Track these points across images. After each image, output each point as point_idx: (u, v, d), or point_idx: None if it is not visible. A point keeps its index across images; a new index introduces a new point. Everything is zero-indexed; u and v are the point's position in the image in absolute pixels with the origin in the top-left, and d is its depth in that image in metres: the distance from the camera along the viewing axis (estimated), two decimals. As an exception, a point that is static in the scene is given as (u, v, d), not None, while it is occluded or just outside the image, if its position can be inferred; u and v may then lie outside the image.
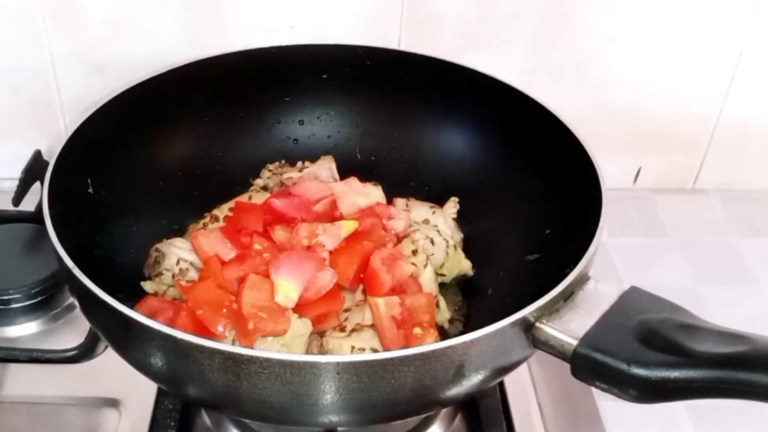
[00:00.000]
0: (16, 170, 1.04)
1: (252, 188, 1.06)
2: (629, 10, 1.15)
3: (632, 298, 0.77)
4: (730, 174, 1.32)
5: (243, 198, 1.02)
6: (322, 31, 1.14)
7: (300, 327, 0.87)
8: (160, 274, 0.94)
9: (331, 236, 0.94)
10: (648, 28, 1.17)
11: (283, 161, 1.09)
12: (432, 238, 0.98)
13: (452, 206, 1.04)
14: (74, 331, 1.03)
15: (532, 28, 1.16)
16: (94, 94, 0.97)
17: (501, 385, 1.00)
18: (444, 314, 0.95)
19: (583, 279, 0.79)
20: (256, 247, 0.93)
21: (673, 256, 1.20)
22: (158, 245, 0.96)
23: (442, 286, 0.99)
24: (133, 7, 1.12)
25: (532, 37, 1.17)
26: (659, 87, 1.22)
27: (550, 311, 0.76)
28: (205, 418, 0.97)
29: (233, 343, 0.84)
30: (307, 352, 0.87)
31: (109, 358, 0.92)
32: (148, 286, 0.95)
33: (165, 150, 1.04)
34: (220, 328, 0.85)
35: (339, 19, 1.15)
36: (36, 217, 0.92)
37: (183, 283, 0.92)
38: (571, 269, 0.78)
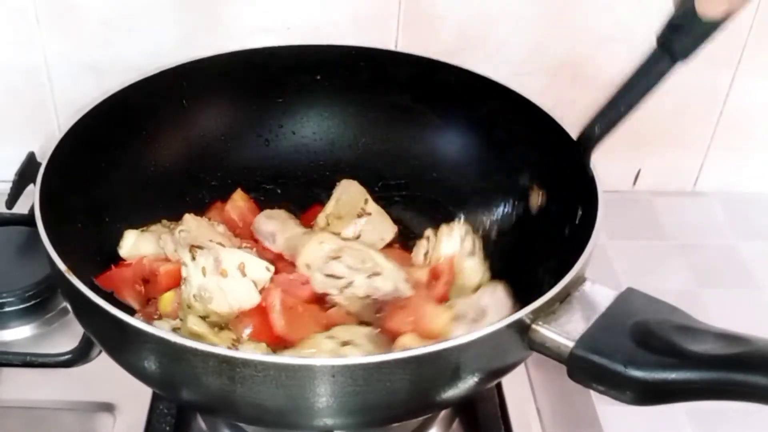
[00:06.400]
0: (10, 172, 1.03)
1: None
2: (627, 10, 1.15)
3: (629, 300, 0.76)
4: (730, 176, 1.32)
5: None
6: (319, 32, 1.13)
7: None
8: None
9: None
10: (646, 28, 1.16)
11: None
12: None
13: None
14: (68, 335, 1.02)
15: (529, 29, 1.16)
16: (88, 95, 0.97)
17: (499, 389, 0.99)
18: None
19: (579, 281, 0.79)
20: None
21: (674, 260, 1.20)
22: None
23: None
24: (128, 8, 1.11)
25: (529, 37, 1.17)
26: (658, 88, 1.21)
27: (546, 313, 0.75)
28: (201, 422, 0.96)
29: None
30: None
31: (103, 362, 0.91)
32: None
33: (159, 151, 1.04)
34: None
35: (336, 20, 1.15)
36: (30, 219, 0.92)
37: None
38: (567, 271, 0.77)
